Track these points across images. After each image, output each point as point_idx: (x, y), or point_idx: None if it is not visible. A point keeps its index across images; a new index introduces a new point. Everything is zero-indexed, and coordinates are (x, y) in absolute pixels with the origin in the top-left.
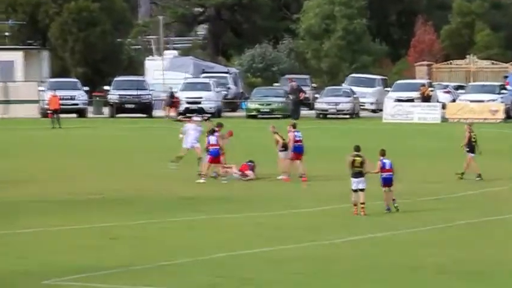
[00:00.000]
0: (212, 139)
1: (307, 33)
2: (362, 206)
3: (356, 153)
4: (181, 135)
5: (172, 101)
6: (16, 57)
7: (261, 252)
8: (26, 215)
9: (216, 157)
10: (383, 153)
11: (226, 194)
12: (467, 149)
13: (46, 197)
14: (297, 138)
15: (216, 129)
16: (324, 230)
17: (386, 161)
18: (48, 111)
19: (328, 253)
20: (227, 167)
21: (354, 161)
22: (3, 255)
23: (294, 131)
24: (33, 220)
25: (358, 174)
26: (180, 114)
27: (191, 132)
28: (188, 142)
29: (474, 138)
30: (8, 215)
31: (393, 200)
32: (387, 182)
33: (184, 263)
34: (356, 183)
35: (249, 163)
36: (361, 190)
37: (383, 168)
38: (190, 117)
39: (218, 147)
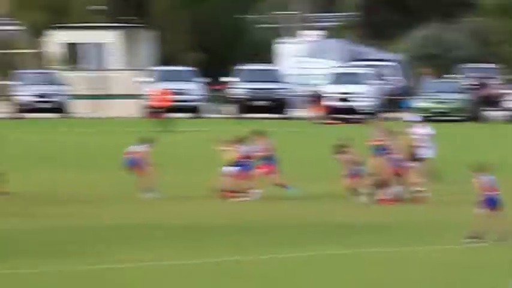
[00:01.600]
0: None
1: (497, 8)
2: None
3: None
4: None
5: (318, 99)
6: (111, 38)
7: None
8: (121, 244)
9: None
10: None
11: (375, 220)
12: None
13: (144, 221)
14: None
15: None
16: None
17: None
18: (154, 110)
19: None
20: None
21: None
22: None
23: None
24: (132, 251)
25: None
26: (328, 114)
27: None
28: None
29: None
30: (96, 244)
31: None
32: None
33: None
34: None
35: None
36: None
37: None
38: (340, 119)
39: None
